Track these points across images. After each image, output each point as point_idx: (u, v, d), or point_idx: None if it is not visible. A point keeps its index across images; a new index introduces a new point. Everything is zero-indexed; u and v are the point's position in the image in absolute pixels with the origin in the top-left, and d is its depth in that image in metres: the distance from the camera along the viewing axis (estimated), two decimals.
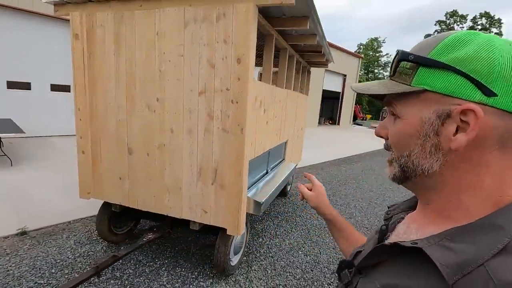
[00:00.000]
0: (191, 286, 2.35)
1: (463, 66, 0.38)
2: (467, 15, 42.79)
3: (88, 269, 2.09)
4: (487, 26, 40.54)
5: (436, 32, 44.56)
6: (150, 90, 2.24)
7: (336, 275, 0.59)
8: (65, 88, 8.00)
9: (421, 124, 0.42)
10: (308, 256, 2.98)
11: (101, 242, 2.87)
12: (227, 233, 2.23)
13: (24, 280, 2.25)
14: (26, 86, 7.38)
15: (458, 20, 43.10)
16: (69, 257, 2.60)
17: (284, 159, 3.94)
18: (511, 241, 0.35)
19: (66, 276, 2.33)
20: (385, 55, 48.96)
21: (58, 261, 2.52)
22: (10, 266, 2.41)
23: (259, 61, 4.14)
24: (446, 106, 0.39)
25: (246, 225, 2.62)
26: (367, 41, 50.80)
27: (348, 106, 21.89)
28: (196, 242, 3.02)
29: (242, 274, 2.57)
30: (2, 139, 5.17)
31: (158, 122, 2.26)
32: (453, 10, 43.53)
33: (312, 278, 2.63)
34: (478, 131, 0.37)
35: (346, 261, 0.59)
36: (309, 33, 2.89)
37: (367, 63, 47.69)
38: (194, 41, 2.04)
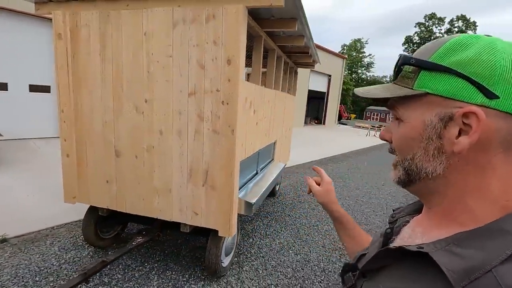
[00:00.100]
0: None
1: (464, 69, 0.38)
2: (445, 17, 44.49)
3: (75, 275, 2.03)
4: (463, 28, 42.22)
5: (416, 34, 46.05)
6: (138, 91, 2.20)
7: (340, 278, 0.59)
8: (45, 89, 7.69)
9: (424, 127, 0.42)
10: (299, 255, 3.01)
11: (88, 247, 2.79)
12: (219, 235, 2.22)
13: None
14: (2, 86, 7.05)
15: (436, 22, 44.68)
16: (54, 264, 2.51)
17: (273, 159, 3.96)
18: None
19: (51, 284, 2.25)
20: (368, 55, 50.20)
21: (42, 268, 2.43)
22: None
23: (248, 62, 4.14)
24: (448, 109, 0.40)
25: (237, 226, 2.61)
26: (351, 42, 51.87)
27: (333, 106, 22.26)
28: (187, 244, 2.99)
29: (233, 275, 2.56)
30: None
31: (146, 123, 2.22)
32: (432, 12, 45.10)
33: (303, 276, 2.66)
34: (481, 134, 0.37)
35: (349, 264, 0.58)
36: (297, 34, 2.92)
37: (351, 63, 48.68)
38: (183, 42, 2.02)
